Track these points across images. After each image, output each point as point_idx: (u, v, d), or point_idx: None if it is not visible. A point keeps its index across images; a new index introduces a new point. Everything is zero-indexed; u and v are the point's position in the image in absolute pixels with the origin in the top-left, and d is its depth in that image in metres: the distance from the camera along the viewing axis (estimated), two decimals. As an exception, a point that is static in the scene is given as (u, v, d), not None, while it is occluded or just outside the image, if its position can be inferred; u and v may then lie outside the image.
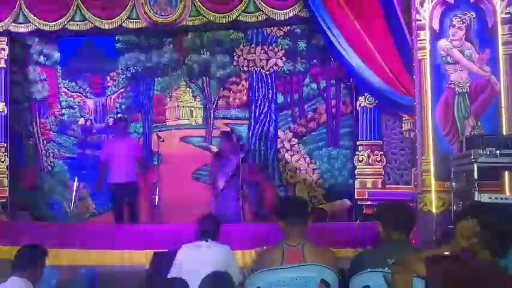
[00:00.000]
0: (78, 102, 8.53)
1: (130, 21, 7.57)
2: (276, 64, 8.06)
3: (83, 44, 8.46)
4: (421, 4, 6.40)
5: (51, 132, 8.54)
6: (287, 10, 7.17)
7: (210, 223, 4.39)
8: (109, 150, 7.33)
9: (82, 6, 7.52)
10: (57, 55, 8.53)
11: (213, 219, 4.45)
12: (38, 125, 8.52)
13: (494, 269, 2.68)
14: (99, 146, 8.39)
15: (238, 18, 7.31)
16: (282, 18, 7.24)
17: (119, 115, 8.29)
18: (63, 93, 8.55)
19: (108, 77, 8.49)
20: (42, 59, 8.52)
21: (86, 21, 7.60)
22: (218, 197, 6.94)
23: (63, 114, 8.54)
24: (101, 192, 7.59)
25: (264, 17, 7.27)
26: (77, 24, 7.64)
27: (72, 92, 8.54)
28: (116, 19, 7.51)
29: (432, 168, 6.23)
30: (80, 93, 8.54)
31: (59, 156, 8.50)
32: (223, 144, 7.12)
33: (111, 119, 8.43)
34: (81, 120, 8.54)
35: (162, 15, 7.45)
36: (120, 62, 8.40)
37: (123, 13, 7.49)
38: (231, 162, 6.90)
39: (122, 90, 8.46)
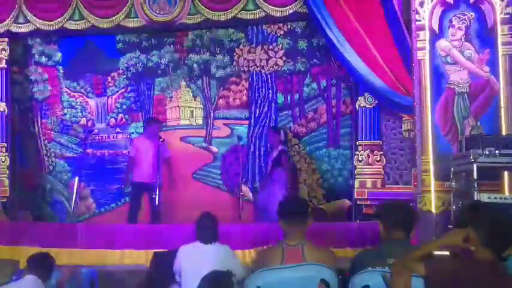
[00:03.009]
0: (80, 102, 8.55)
1: (129, 20, 7.58)
2: (276, 64, 8.05)
3: (84, 44, 8.46)
4: (421, 4, 6.40)
5: (52, 132, 8.55)
6: (286, 8, 7.17)
7: (208, 223, 4.39)
8: (138, 149, 7.34)
9: (81, 5, 7.53)
10: (58, 55, 8.55)
11: (211, 219, 4.45)
12: (39, 124, 8.53)
13: (494, 269, 2.69)
14: (101, 146, 8.42)
15: (237, 16, 7.32)
16: (281, 15, 7.25)
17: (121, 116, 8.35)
18: (65, 93, 8.57)
19: (109, 77, 8.50)
20: (43, 59, 8.54)
21: (84, 20, 7.62)
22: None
23: (64, 114, 8.56)
24: (123, 189, 7.79)
25: (263, 15, 7.27)
26: (76, 24, 7.65)
27: (73, 92, 8.55)
28: (114, 18, 7.52)
29: (432, 168, 6.23)
30: (82, 93, 8.56)
31: (60, 156, 8.51)
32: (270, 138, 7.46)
33: (112, 118, 8.47)
34: (83, 120, 8.55)
35: (160, 14, 7.46)
36: (121, 62, 8.41)
37: (121, 12, 7.50)
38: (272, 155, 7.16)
39: (123, 90, 8.48)
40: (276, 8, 7.19)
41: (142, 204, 7.26)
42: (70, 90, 8.56)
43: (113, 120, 8.51)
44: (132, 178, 7.37)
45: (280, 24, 7.93)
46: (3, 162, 7.84)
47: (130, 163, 7.41)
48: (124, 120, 8.46)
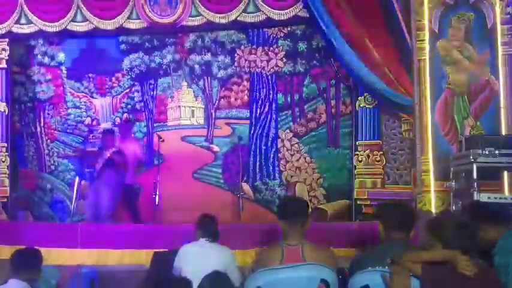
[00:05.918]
0: (84, 102, 8.57)
1: (131, 22, 7.59)
2: (276, 65, 8.08)
3: (87, 45, 8.48)
4: (421, 4, 6.41)
5: (55, 132, 8.56)
6: (287, 10, 7.19)
7: (209, 223, 4.40)
8: None
9: (82, 6, 7.54)
10: (61, 56, 8.56)
11: (212, 220, 4.45)
12: (41, 124, 8.54)
13: (483, 272, 2.76)
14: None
15: (238, 19, 7.33)
16: (281, 18, 7.27)
17: (125, 115, 8.35)
18: (69, 94, 8.58)
19: (113, 78, 8.52)
20: (46, 59, 8.55)
21: (86, 22, 7.63)
22: None
23: (69, 114, 8.58)
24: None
25: (264, 17, 7.29)
26: (78, 25, 7.66)
27: (77, 92, 8.57)
28: (115, 19, 7.53)
29: (431, 168, 6.23)
30: (86, 93, 8.58)
31: (63, 155, 8.52)
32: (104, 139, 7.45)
33: (117, 118, 8.50)
34: (88, 120, 8.57)
35: (162, 16, 7.48)
36: (124, 62, 8.43)
37: (123, 13, 7.51)
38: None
39: (127, 90, 8.51)
40: (276, 11, 7.21)
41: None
42: (74, 90, 8.58)
43: (118, 120, 8.53)
44: None
45: (281, 27, 7.95)
46: (3, 162, 7.85)
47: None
48: (129, 119, 8.49)
